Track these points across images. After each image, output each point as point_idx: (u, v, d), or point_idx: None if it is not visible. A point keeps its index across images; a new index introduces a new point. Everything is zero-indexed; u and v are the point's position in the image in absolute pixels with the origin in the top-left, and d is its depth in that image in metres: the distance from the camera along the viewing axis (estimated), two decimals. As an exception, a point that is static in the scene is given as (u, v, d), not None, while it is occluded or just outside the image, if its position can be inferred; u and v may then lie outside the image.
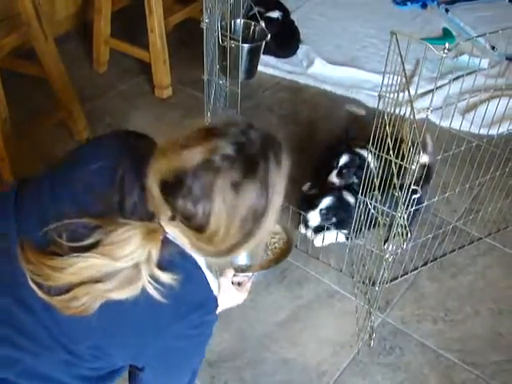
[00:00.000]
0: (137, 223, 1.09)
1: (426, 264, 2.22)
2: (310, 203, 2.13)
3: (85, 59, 3.07)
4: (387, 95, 1.69)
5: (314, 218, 2.11)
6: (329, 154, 2.35)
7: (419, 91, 2.88)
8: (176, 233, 1.12)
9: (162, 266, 1.10)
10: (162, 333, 1.18)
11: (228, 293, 1.53)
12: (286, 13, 3.22)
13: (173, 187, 1.06)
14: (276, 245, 2.01)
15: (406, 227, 1.53)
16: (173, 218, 1.08)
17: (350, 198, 2.11)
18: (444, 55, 1.51)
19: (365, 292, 2.08)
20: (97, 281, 1.09)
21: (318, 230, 2.18)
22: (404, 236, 1.54)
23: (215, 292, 1.24)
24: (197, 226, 1.07)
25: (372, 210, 1.83)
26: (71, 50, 3.08)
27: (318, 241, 2.20)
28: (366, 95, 2.93)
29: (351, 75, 3.06)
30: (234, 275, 1.53)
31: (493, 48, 3.31)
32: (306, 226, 2.21)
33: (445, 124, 2.75)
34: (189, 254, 1.15)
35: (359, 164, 2.19)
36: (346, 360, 1.94)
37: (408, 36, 1.58)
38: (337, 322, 2.04)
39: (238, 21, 2.39)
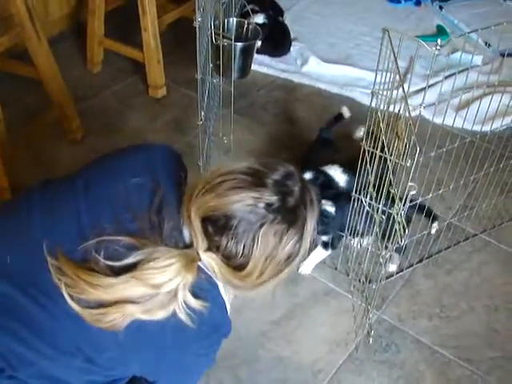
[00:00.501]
0: (177, 251, 1.12)
1: (421, 261, 2.22)
2: None
3: (79, 59, 3.07)
4: (380, 92, 1.68)
5: None
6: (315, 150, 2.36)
7: (413, 88, 2.89)
8: (210, 264, 1.15)
9: (193, 292, 1.13)
10: (181, 351, 1.22)
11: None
12: (278, 12, 3.23)
13: (215, 225, 1.13)
14: None
15: (403, 224, 1.52)
16: (209, 249, 1.13)
17: (330, 208, 2.04)
18: (436, 52, 1.51)
19: (362, 290, 2.08)
20: (131, 302, 1.11)
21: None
22: (401, 233, 1.53)
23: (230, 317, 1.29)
24: (235, 266, 1.14)
25: (367, 208, 1.83)
26: (65, 51, 3.07)
27: (306, 268, 2.18)
28: (361, 93, 2.93)
29: (345, 73, 3.06)
30: None
31: (487, 44, 3.31)
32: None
33: (438, 121, 2.76)
34: (215, 281, 1.19)
35: (323, 182, 2.12)
36: (342, 358, 1.93)
37: (400, 33, 1.58)
38: (332, 319, 2.04)
39: (231, 19, 2.38)
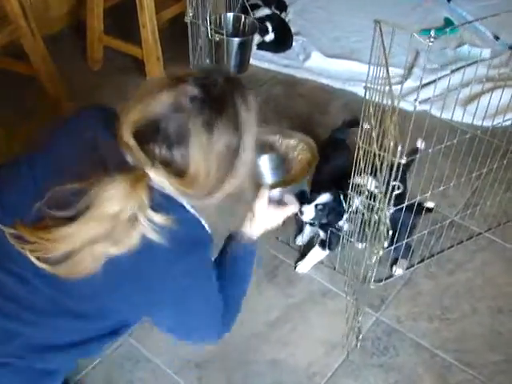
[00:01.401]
0: (122, 176, 1.10)
1: (422, 261, 2.16)
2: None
3: (79, 57, 3.03)
4: (373, 87, 1.62)
5: (309, 212, 2.03)
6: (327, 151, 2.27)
7: (417, 83, 2.82)
8: (160, 180, 1.13)
9: (154, 209, 1.11)
10: (166, 277, 1.18)
11: (267, 213, 1.52)
12: (281, 8, 3.18)
13: (147, 135, 1.11)
14: (300, 156, 1.95)
15: (387, 226, 1.47)
16: (153, 165, 1.11)
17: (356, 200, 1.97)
18: (430, 43, 1.45)
19: (352, 292, 2.02)
20: (96, 241, 1.10)
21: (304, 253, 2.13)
22: (385, 234, 1.47)
23: (208, 229, 1.24)
24: (177, 171, 1.12)
25: (360, 206, 1.77)
26: (65, 48, 3.05)
27: (303, 267, 2.13)
28: (364, 88, 2.86)
29: (348, 68, 3.00)
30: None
31: (496, 38, 3.23)
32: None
33: (446, 116, 2.70)
34: (175, 198, 1.17)
35: (333, 206, 1.98)
36: (338, 361, 1.88)
37: (392, 25, 1.52)
38: (329, 321, 1.98)
39: (229, 14, 2.34)
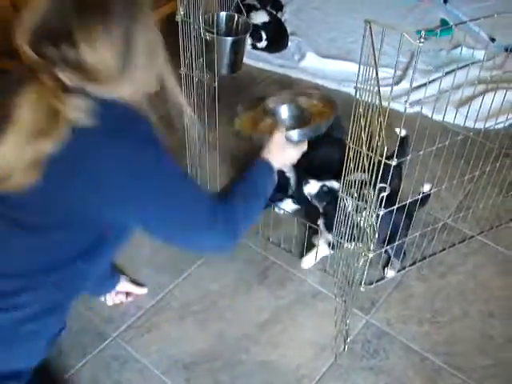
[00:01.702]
0: (30, 88, 1.14)
1: (414, 263, 2.14)
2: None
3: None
4: (363, 87, 1.61)
5: (313, 186, 1.99)
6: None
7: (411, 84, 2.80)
8: (68, 77, 1.17)
9: (71, 96, 1.15)
10: (108, 162, 1.18)
11: (282, 148, 1.60)
12: (277, 8, 3.17)
13: (40, 39, 1.13)
14: (320, 110, 1.94)
15: (374, 227, 1.45)
16: (54, 66, 1.15)
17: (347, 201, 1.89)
18: (420, 44, 1.43)
19: (342, 293, 2.01)
20: (27, 144, 1.14)
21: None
22: (371, 237, 1.46)
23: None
24: (75, 65, 1.14)
25: (349, 208, 1.75)
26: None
27: (307, 262, 2.13)
28: (354, 88, 2.85)
29: (344, 69, 2.99)
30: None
31: (492, 39, 3.21)
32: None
33: (438, 118, 2.68)
34: (93, 92, 1.18)
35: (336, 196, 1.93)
36: (327, 363, 1.86)
37: (382, 25, 1.50)
38: (319, 323, 1.97)
39: (222, 13, 2.32)
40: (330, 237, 2.02)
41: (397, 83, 2.90)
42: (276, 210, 2.22)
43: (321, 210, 2.02)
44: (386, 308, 2.02)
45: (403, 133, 2.15)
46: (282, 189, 2.18)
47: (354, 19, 3.38)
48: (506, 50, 3.13)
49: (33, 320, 1.32)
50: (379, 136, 1.38)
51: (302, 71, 2.97)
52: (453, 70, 2.91)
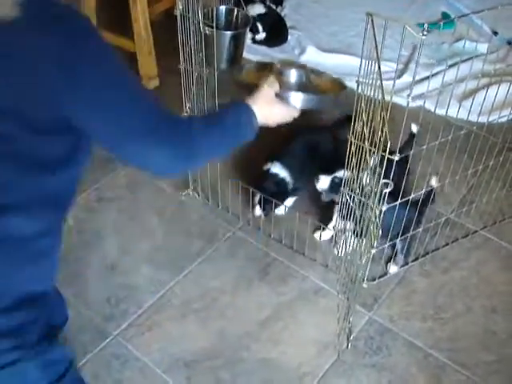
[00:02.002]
0: None
1: (417, 259, 2.12)
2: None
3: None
4: (365, 81, 1.58)
5: (324, 182, 1.99)
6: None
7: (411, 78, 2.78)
8: None
9: None
10: (49, 56, 1.07)
11: (270, 102, 1.48)
12: (276, 2, 3.15)
13: None
14: (326, 85, 1.87)
15: (377, 224, 1.43)
16: None
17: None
18: (423, 37, 1.40)
19: (344, 290, 1.98)
20: None
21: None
22: (375, 234, 1.44)
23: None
24: None
25: (351, 203, 1.73)
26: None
27: (325, 234, 2.15)
28: (356, 82, 2.82)
29: (345, 62, 2.96)
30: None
31: (494, 33, 3.18)
32: None
33: (441, 112, 2.65)
34: None
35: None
36: (330, 360, 1.85)
37: (385, 18, 1.48)
38: (321, 320, 1.95)
39: (221, 7, 2.28)
40: (348, 225, 1.98)
41: (399, 77, 2.88)
42: (276, 211, 2.20)
43: (337, 201, 2.01)
44: (388, 304, 2.00)
45: (414, 129, 2.14)
46: (282, 194, 2.18)
47: (355, 13, 3.35)
48: (509, 43, 3.10)
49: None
50: (382, 131, 1.36)
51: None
52: (455, 64, 2.88)
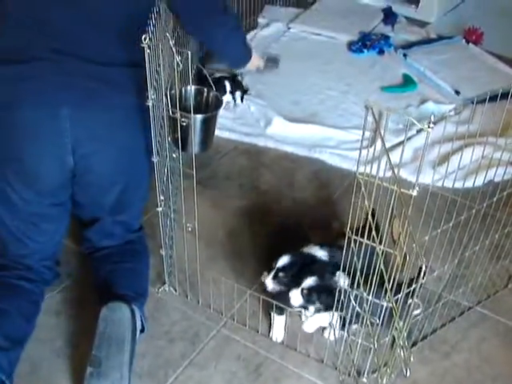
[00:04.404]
0: None
1: (415, 344, 1.99)
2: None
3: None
4: (366, 178, 1.46)
5: (296, 297, 1.85)
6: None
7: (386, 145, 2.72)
8: None
9: None
10: None
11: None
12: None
13: None
14: None
15: (407, 348, 1.29)
16: None
17: (342, 280, 1.80)
18: (429, 130, 1.31)
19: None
20: None
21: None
22: (407, 360, 1.30)
23: None
24: None
25: (357, 308, 1.60)
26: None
27: (309, 327, 1.97)
28: (330, 154, 2.73)
29: (312, 133, 2.87)
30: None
31: (456, 92, 3.17)
32: (281, 311, 1.96)
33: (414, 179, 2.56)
34: None
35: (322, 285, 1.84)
36: None
37: (386, 110, 1.38)
38: (323, 425, 1.79)
39: (189, 88, 2.16)
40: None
41: (371, 145, 2.80)
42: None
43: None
44: (392, 400, 1.85)
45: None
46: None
47: (315, 78, 3.31)
48: (472, 102, 3.08)
49: None
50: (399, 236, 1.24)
51: (269, 139, 2.83)
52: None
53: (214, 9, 1.94)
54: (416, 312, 1.23)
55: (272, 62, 2.76)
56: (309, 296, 1.82)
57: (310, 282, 1.82)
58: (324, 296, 1.82)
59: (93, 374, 1.67)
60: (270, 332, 2.01)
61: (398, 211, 1.34)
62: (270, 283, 1.89)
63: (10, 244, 1.92)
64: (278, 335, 1.99)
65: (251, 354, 1.96)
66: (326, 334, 1.98)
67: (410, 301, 1.25)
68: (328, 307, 1.82)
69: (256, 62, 2.40)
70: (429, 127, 1.30)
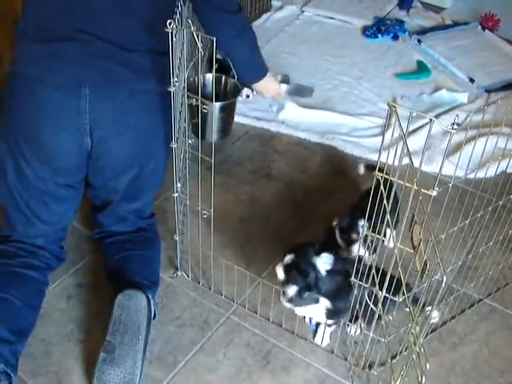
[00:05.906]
0: None
1: (425, 337, 1.99)
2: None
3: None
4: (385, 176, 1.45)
5: (279, 272, 1.83)
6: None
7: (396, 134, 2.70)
8: None
9: None
10: None
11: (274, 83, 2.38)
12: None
13: None
14: None
15: (422, 354, 1.29)
16: None
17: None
18: (453, 131, 1.29)
19: (360, 376, 1.85)
20: None
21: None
22: (423, 368, 1.30)
23: None
24: None
25: (369, 303, 1.61)
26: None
27: (319, 339, 1.98)
28: (343, 141, 2.72)
29: (325, 119, 2.85)
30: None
31: (471, 80, 3.14)
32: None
33: (428, 169, 2.56)
34: None
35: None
36: None
37: (409, 109, 1.36)
38: (331, 414, 1.81)
39: (207, 75, 2.14)
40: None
41: (382, 133, 2.78)
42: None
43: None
44: (400, 391, 1.86)
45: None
46: None
47: (329, 63, 3.28)
48: (487, 91, 3.05)
49: None
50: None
51: (281, 124, 2.82)
52: (439, 115, 2.82)
53: (230, 5, 1.99)
54: (433, 321, 1.22)
55: (300, 90, 2.73)
56: (288, 272, 1.78)
57: (288, 258, 1.79)
58: (303, 276, 1.76)
59: (106, 360, 1.68)
60: (283, 320, 2.01)
61: (419, 218, 1.32)
62: (280, 272, 1.89)
63: (18, 222, 1.92)
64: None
65: (260, 342, 1.97)
66: (350, 331, 1.98)
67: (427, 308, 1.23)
68: (309, 287, 1.78)
69: (273, 85, 2.29)
70: (453, 128, 1.28)
